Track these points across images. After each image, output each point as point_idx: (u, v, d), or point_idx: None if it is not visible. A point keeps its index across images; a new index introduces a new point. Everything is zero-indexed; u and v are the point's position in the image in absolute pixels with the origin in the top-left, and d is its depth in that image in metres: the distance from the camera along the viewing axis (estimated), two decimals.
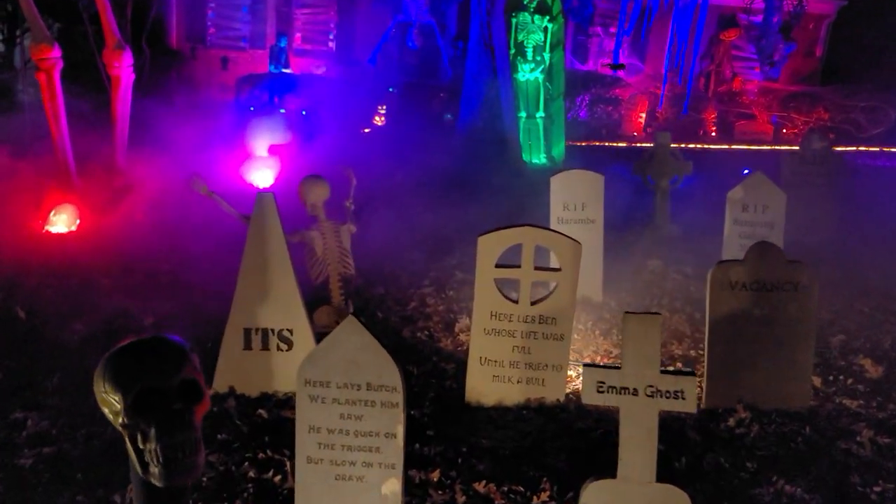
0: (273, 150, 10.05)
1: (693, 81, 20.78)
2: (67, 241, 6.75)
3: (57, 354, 4.57)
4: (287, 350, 4.17)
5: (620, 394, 2.71)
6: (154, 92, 13.17)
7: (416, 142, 12.12)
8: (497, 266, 4.03)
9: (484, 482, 3.32)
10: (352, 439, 2.78)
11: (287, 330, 4.16)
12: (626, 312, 2.73)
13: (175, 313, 5.31)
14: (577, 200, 5.86)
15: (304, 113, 17.97)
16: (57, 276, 5.85)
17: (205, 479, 3.36)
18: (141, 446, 1.13)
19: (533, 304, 4.05)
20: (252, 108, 19.46)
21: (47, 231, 6.83)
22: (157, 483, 1.16)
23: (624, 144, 17.87)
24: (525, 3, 11.08)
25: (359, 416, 2.76)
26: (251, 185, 9.17)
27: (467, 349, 5.01)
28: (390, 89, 20.23)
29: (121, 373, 1.13)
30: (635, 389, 2.70)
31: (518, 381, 4.11)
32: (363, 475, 2.80)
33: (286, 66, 21.75)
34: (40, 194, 7.28)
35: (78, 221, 6.97)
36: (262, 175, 9.28)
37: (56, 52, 7.29)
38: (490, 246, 4.00)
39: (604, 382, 2.72)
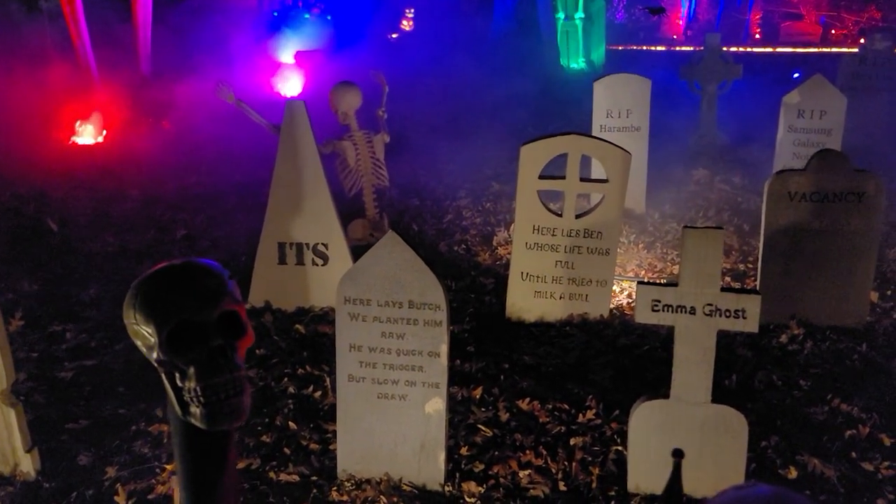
0: (300, 57, 9.72)
1: None
2: (94, 152, 6.65)
3: (91, 266, 4.53)
4: (323, 265, 4.07)
5: (677, 312, 2.55)
6: None
7: (446, 47, 11.63)
8: (540, 177, 3.82)
9: (527, 399, 3.24)
10: (394, 358, 2.68)
11: (322, 244, 4.04)
12: (685, 227, 2.53)
13: (206, 226, 5.23)
14: (621, 107, 5.55)
15: (329, 18, 17.35)
16: (85, 188, 5.78)
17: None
18: (179, 384, 1.00)
19: (578, 217, 3.86)
20: (276, 14, 18.87)
21: (74, 142, 6.72)
22: (199, 425, 1.04)
23: (663, 48, 17.04)
24: None
25: (401, 335, 2.65)
26: (279, 93, 8.92)
27: (506, 263, 4.89)
28: None
29: (154, 304, 0.99)
30: (693, 308, 2.53)
31: (560, 297, 3.98)
32: (406, 394, 2.72)
33: None
34: (65, 105, 7.14)
35: (104, 132, 6.84)
36: (289, 84, 9.00)
37: None
38: (533, 155, 3.78)
39: (659, 301, 2.56)
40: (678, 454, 1.57)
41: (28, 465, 2.79)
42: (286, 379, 3.45)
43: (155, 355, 0.99)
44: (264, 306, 4.09)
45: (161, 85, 7.98)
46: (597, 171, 4.52)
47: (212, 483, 1.14)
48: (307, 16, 17.47)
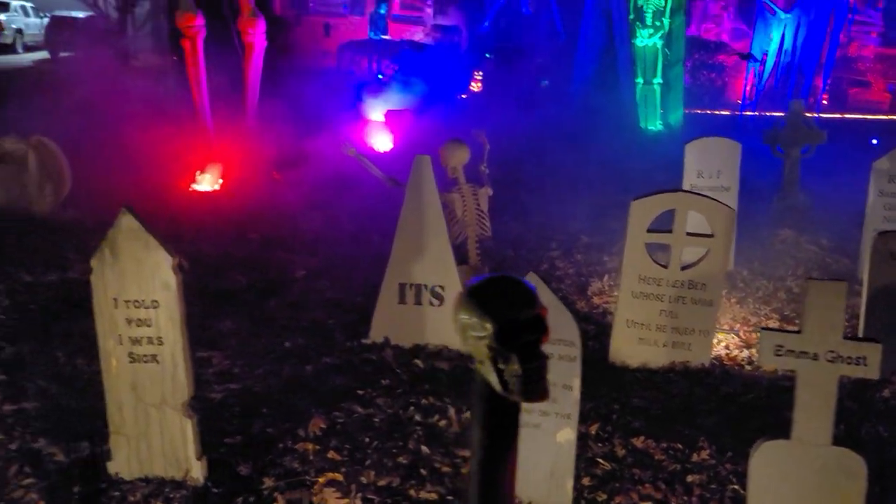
0: (389, 116, 10.32)
1: None
2: (213, 199, 7.22)
3: (222, 301, 4.96)
4: (439, 305, 4.39)
5: (799, 357, 2.76)
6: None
7: (516, 108, 12.12)
8: (648, 231, 4.10)
9: (641, 438, 3.45)
10: None
11: (439, 286, 4.38)
12: (809, 279, 2.77)
13: (323, 267, 5.64)
14: (712, 167, 5.80)
15: (403, 78, 18.19)
16: (209, 231, 6.28)
17: (376, 419, 3.64)
18: (502, 367, 1.31)
19: (683, 269, 4.10)
20: (351, 74, 19.87)
21: (194, 189, 7.31)
22: (518, 399, 1.35)
23: (727, 112, 17.17)
24: None
25: None
26: (372, 149, 9.49)
27: (603, 311, 5.14)
28: (487, 55, 20.18)
29: (490, 303, 1.31)
30: (815, 354, 2.73)
31: (664, 345, 4.19)
32: (539, 423, 2.97)
33: (385, 33, 22.02)
34: (185, 155, 7.78)
35: (221, 181, 7.42)
36: (380, 140, 9.56)
37: (200, 21, 7.70)
38: (643, 210, 4.06)
39: (782, 346, 2.77)
40: None
41: (198, 471, 3.13)
42: (412, 408, 3.74)
43: (487, 343, 1.30)
44: (384, 342, 4.42)
45: (267, 139, 8.60)
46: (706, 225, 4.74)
47: (506, 452, 1.45)
48: (381, 76, 18.38)
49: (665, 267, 4.12)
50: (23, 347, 4.23)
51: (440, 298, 4.39)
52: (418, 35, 22.45)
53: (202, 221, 6.52)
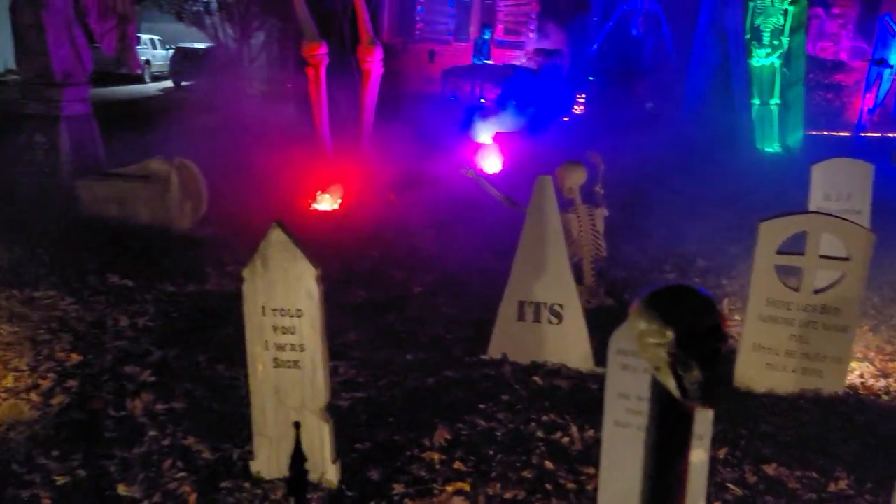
0: (498, 138, 10.49)
1: None
2: (333, 218, 7.56)
3: (346, 314, 5.18)
4: (557, 324, 4.43)
5: None
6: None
7: (622, 130, 12.00)
8: (778, 253, 4.00)
9: (773, 465, 3.36)
10: None
11: (558, 305, 4.42)
12: None
13: (438, 284, 5.79)
14: (841, 190, 5.56)
15: (513, 103, 18.39)
16: (331, 249, 6.57)
17: (499, 433, 3.71)
18: (682, 374, 1.37)
19: (815, 292, 3.97)
20: (454, 98, 20.23)
21: (314, 209, 7.68)
22: (697, 405, 1.41)
23: (846, 134, 16.28)
24: None
25: None
26: (482, 170, 9.66)
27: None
28: (590, 78, 20.09)
29: (671, 311, 1.37)
30: None
31: (793, 371, 4.06)
32: None
33: (488, 58, 22.34)
34: (305, 176, 8.18)
35: (339, 200, 7.76)
36: (490, 161, 9.73)
37: (323, 49, 8.14)
38: (773, 232, 3.97)
39: None
40: None
41: (332, 474, 3.30)
42: (533, 424, 3.79)
43: (667, 350, 1.36)
44: (502, 358, 4.50)
45: (382, 161, 8.94)
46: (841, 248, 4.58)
47: (679, 458, 1.51)
48: (483, 100, 18.66)
49: (796, 290, 4.00)
50: (168, 352, 4.58)
51: (559, 317, 4.42)
52: (521, 59, 22.64)
53: (323, 239, 6.82)
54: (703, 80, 10.56)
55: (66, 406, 3.97)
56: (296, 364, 3.24)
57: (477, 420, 3.82)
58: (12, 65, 25.57)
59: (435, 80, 21.47)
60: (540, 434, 3.70)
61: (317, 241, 6.71)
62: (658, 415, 1.50)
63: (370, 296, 5.53)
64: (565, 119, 19.19)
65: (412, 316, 5.25)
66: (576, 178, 5.34)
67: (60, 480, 3.36)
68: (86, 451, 3.56)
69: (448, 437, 3.66)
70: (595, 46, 16.77)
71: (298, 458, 2.74)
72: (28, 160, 7.82)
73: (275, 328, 3.22)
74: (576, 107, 20.77)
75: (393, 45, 22.59)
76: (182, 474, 3.41)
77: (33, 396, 4.06)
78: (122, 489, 3.31)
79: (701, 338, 1.35)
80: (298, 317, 3.20)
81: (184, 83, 22.96)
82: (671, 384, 1.42)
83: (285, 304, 3.20)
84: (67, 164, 7.70)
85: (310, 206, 7.74)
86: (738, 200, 8.10)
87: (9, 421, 3.86)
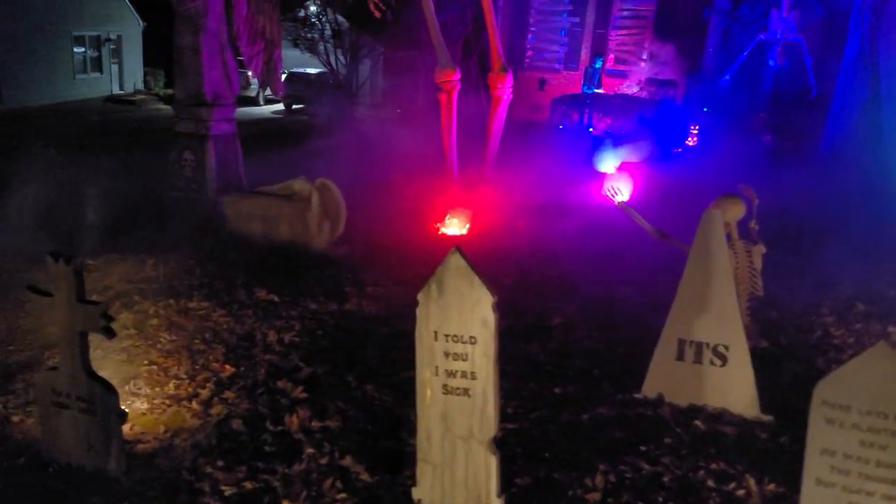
0: (622, 168, 10.27)
1: None
2: (461, 243, 7.53)
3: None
4: (721, 366, 4.18)
5: None
6: (478, 111, 14.21)
7: (747, 163, 11.51)
8: None
9: None
10: (872, 469, 2.67)
11: (723, 346, 4.17)
12: None
13: (578, 315, 5.63)
14: None
15: (616, 132, 18.11)
16: None
17: (665, 479, 3.50)
18: None
19: None
20: (562, 127, 20.08)
21: (442, 233, 7.69)
22: None
23: None
24: None
25: (883, 446, 2.65)
26: (609, 199, 9.47)
27: None
28: (704, 109, 19.50)
29: None
30: None
31: None
32: None
33: (599, 87, 22.08)
34: (431, 200, 8.23)
35: (468, 225, 7.75)
36: (618, 191, 9.51)
37: (457, 76, 8.20)
38: None
39: None
40: None
41: None
42: (701, 471, 3.56)
43: None
44: (657, 398, 4.28)
45: (508, 186, 8.90)
46: None
47: None
48: (591, 129, 18.42)
49: None
50: (317, 369, 4.63)
51: (723, 358, 4.17)
52: (633, 89, 22.31)
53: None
54: (847, 116, 9.93)
55: (224, 417, 4.06)
56: (466, 392, 3.16)
57: (640, 462, 3.63)
58: (141, 85, 27.68)
59: (543, 108, 21.40)
60: (711, 483, 3.47)
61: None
62: None
63: (509, 324, 5.39)
64: (678, 150, 18.69)
65: (554, 348, 5.10)
66: (734, 212, 5.07)
67: (228, 491, 3.41)
68: (248, 464, 3.61)
69: (612, 478, 3.48)
70: (727, 77, 16.22)
71: None
72: (177, 176, 8.26)
73: (446, 354, 3.16)
74: (689, 139, 20.21)
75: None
76: (342, 495, 3.39)
77: (194, 405, 4.19)
78: None
79: None
80: (472, 344, 3.13)
81: (295, 106, 23.84)
82: None
83: (459, 331, 3.14)
84: (212, 181, 8.07)
85: (438, 231, 7.76)
86: (890, 242, 7.53)
87: (173, 428, 3.98)
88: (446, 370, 3.17)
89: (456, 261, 3.16)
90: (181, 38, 7.83)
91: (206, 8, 7.68)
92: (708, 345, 4.20)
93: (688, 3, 20.92)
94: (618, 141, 11.58)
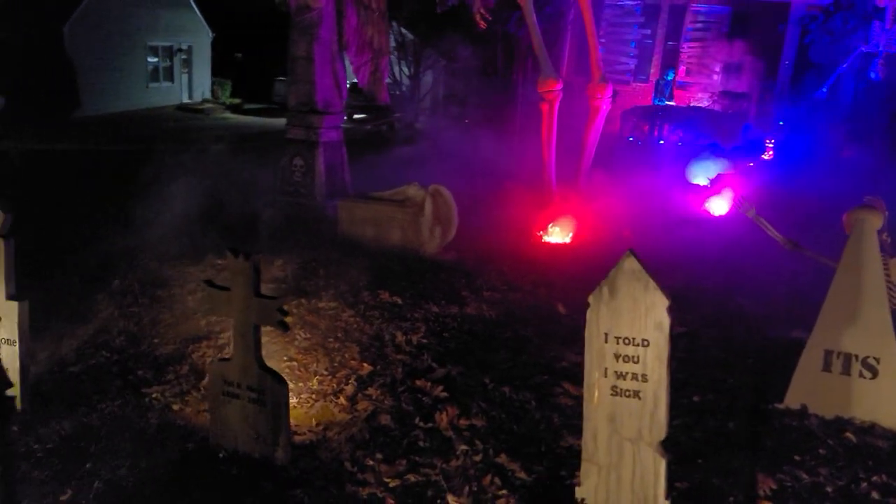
0: (716, 180, 10.16)
1: None
2: (565, 251, 7.58)
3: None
4: (871, 378, 4.11)
5: None
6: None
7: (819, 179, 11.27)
8: None
9: None
10: None
11: (874, 358, 4.10)
12: None
13: (698, 324, 5.60)
14: None
15: (687, 144, 17.89)
16: (568, 282, 6.55)
17: (828, 489, 3.47)
18: None
19: None
20: (632, 139, 19.92)
21: (546, 241, 7.73)
22: None
23: None
24: None
25: None
26: (708, 213, 9.41)
27: None
28: (780, 123, 19.10)
29: None
30: None
31: None
32: None
33: (670, 99, 21.82)
34: (530, 208, 8.28)
35: (571, 233, 7.77)
36: (717, 203, 9.43)
37: (559, 86, 8.26)
38: None
39: None
40: None
41: None
42: (864, 483, 3.51)
43: None
44: (801, 409, 4.23)
45: (609, 195, 8.90)
46: None
47: None
48: (661, 142, 18.20)
49: None
50: (451, 370, 4.72)
51: (873, 371, 4.10)
52: (705, 101, 22.01)
53: (557, 272, 6.82)
54: None
55: (371, 413, 4.18)
56: (636, 394, 3.20)
57: (797, 472, 3.60)
58: (209, 95, 28.45)
59: (613, 120, 21.28)
60: (876, 496, 3.42)
61: (563, 274, 6.76)
62: None
63: None
64: (750, 164, 18.39)
65: (681, 357, 5.07)
66: (874, 222, 4.98)
67: (392, 483, 3.53)
68: (406, 458, 3.72)
69: (773, 486, 3.47)
70: (824, 89, 15.84)
71: None
72: (287, 181, 8.53)
73: (616, 356, 3.21)
74: (765, 152, 19.86)
75: (572, 83, 22.68)
76: (503, 492, 3.47)
77: (341, 400, 4.33)
78: (451, 499, 3.41)
79: None
80: (644, 346, 3.17)
81: (356, 116, 24.24)
82: None
83: (630, 334, 3.18)
84: (321, 186, 8.31)
85: (541, 239, 7.81)
86: None
87: (324, 421, 4.13)
88: (616, 372, 3.21)
89: (630, 264, 3.21)
90: (296, 47, 8.12)
91: (320, 18, 7.94)
92: (857, 356, 4.13)
93: (763, 16, 20.58)
94: (716, 153, 11.48)
